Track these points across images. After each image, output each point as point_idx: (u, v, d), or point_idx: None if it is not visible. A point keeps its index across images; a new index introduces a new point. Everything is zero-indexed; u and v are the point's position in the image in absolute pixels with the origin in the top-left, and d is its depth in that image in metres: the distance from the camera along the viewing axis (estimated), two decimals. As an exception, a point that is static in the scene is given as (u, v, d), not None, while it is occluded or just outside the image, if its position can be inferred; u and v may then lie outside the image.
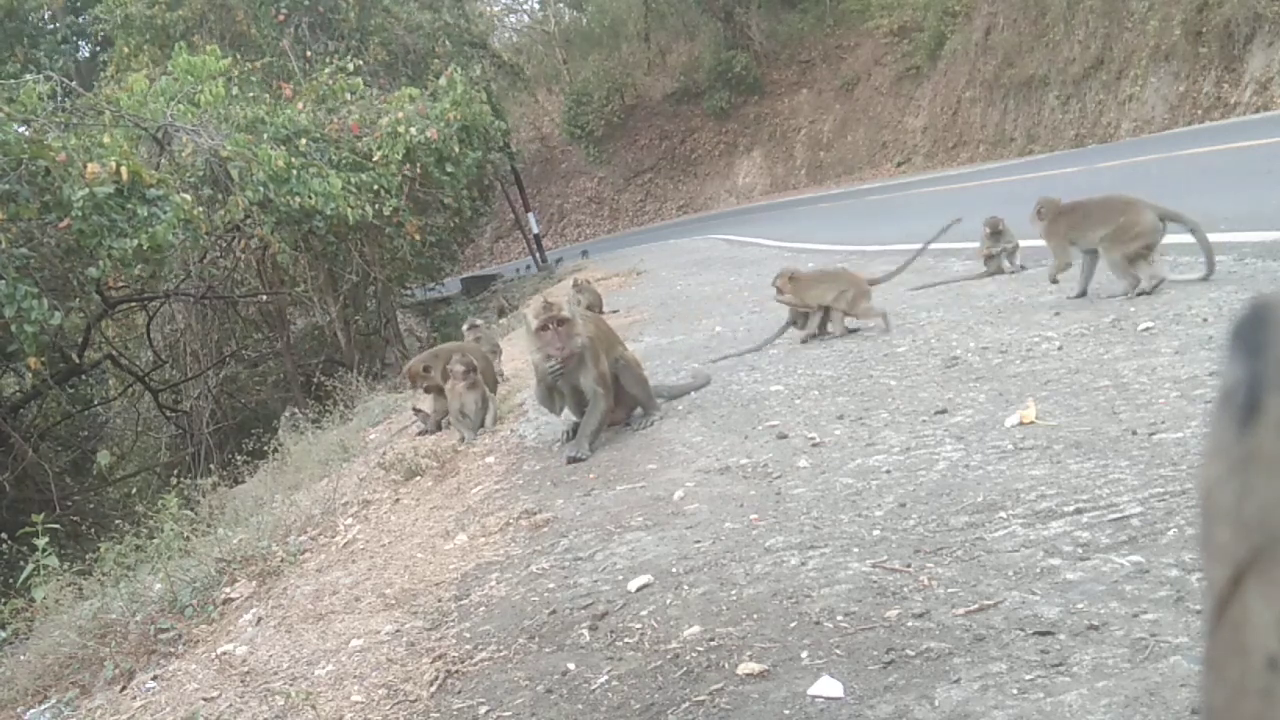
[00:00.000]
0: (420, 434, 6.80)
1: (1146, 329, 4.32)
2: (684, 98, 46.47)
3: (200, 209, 11.89)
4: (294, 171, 12.80)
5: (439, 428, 6.74)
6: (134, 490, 14.39)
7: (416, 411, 7.12)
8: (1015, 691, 1.86)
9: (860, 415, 4.10)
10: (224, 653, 3.48)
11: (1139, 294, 5.09)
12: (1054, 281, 5.68)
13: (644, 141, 47.87)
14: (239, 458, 9.17)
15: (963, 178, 21.76)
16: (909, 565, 2.52)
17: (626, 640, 2.54)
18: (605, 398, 4.90)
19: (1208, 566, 0.44)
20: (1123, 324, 4.55)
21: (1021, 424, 3.42)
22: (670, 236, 26.93)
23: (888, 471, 3.29)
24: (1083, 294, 5.50)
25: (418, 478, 5.40)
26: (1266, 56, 17.59)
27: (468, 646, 2.79)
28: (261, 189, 12.56)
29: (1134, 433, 3.06)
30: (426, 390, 6.75)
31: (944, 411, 3.82)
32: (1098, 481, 2.74)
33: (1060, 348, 4.40)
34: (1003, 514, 2.69)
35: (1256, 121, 15.61)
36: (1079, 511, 2.57)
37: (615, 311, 11.00)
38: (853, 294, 5.97)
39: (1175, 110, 20.04)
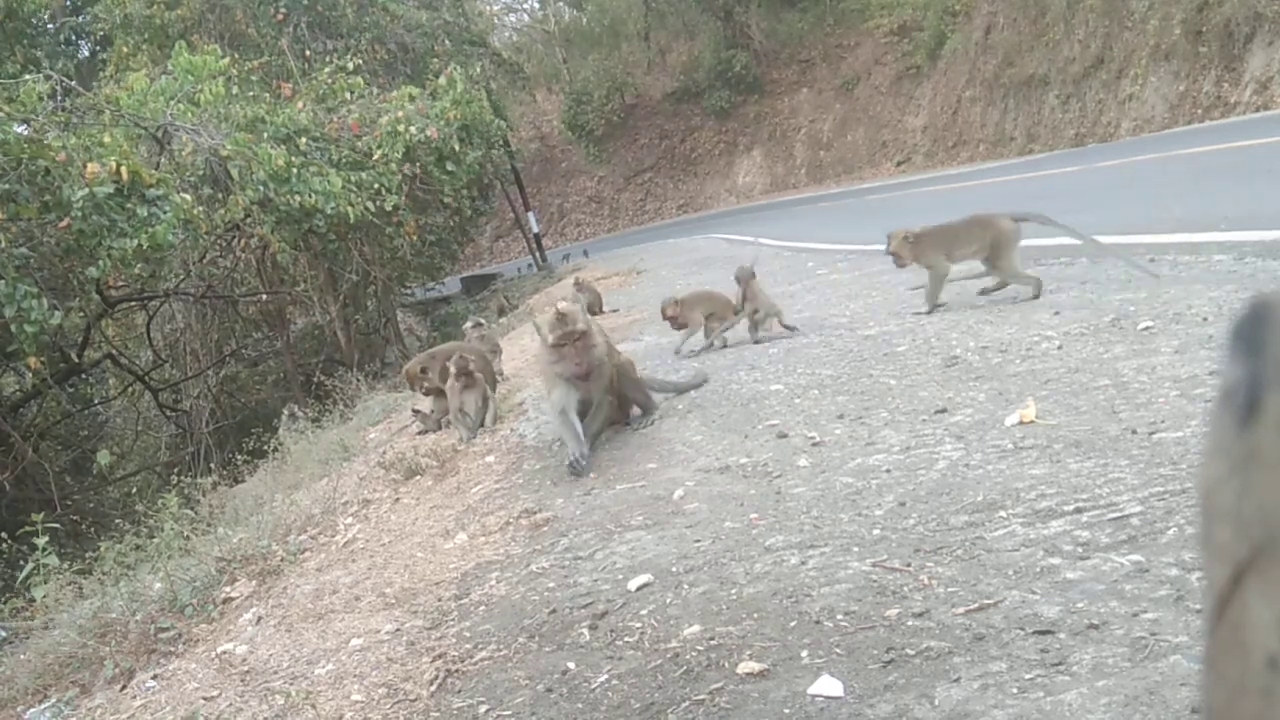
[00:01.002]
0: (420, 433, 6.80)
1: (1146, 328, 4.31)
2: (684, 97, 46.48)
3: (200, 208, 11.90)
4: (294, 170, 12.80)
5: (439, 427, 6.74)
6: (134, 489, 14.39)
7: (416, 413, 7.13)
8: (1015, 690, 1.86)
9: (860, 414, 4.10)
10: (224, 652, 3.48)
11: (1032, 297, 5.64)
12: (931, 309, 6.02)
13: (644, 141, 47.87)
14: (239, 457, 9.18)
15: (963, 177, 21.74)
16: (909, 564, 2.52)
17: (626, 639, 2.54)
18: (611, 405, 4.90)
19: (1208, 565, 0.44)
20: (1122, 323, 4.54)
21: (1021, 423, 3.41)
22: (670, 236, 26.93)
23: (888, 471, 3.29)
24: (934, 309, 5.97)
25: (418, 477, 5.41)
26: (1266, 56, 17.59)
27: (468, 646, 2.80)
28: (261, 188, 12.56)
29: (1134, 432, 3.06)
30: (425, 392, 6.77)
31: (944, 411, 3.82)
32: (1097, 481, 2.74)
33: (1060, 347, 4.39)
34: (1003, 513, 2.69)
35: (1256, 121, 15.61)
36: (1079, 511, 2.57)
37: (615, 310, 11.00)
38: (721, 312, 6.90)
39: (1175, 109, 20.04)
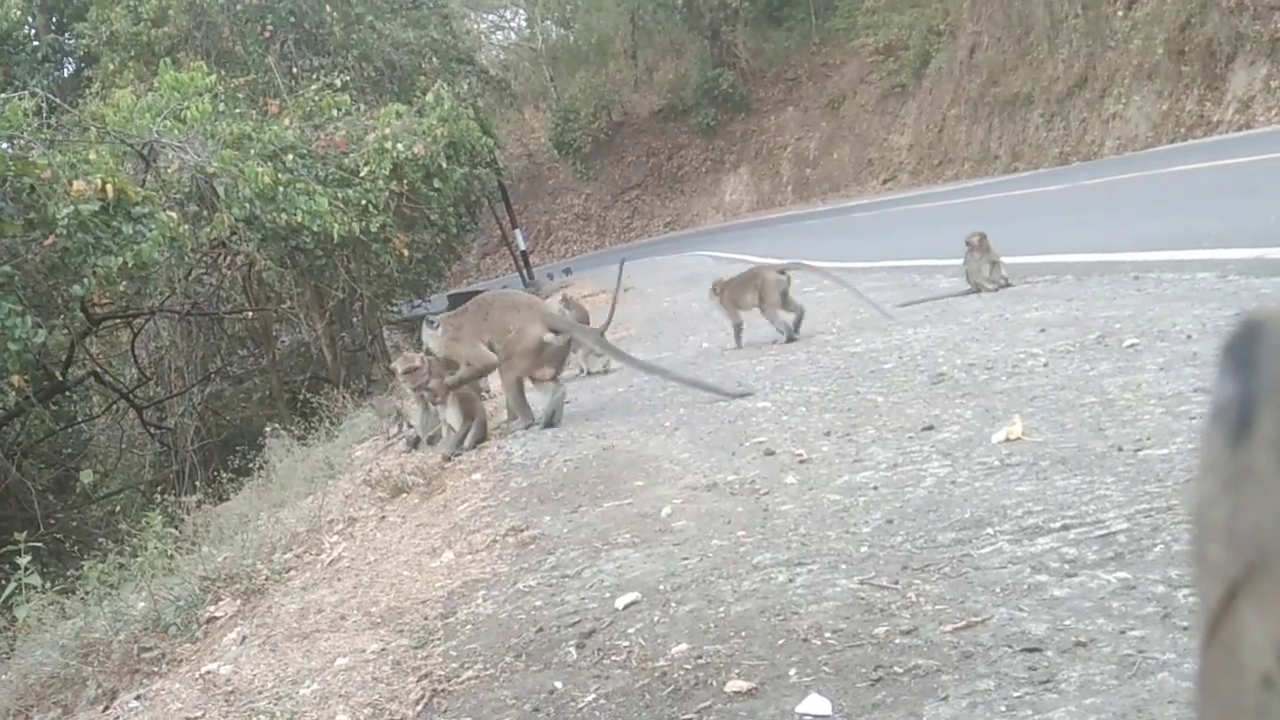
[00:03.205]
0: (408, 450, 6.75)
1: (1131, 345, 4.33)
2: (671, 115, 46.70)
3: (186, 226, 11.86)
4: (280, 188, 12.78)
5: (415, 443, 6.68)
6: (118, 508, 14.29)
7: (389, 437, 7.07)
8: (1003, 709, 1.85)
9: (847, 431, 4.10)
10: (208, 672, 3.45)
11: (789, 340, 6.85)
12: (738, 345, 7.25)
13: (631, 158, 48.04)
14: (224, 475, 9.13)
15: (948, 195, 21.86)
16: (897, 582, 2.51)
17: (614, 658, 2.53)
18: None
19: (1200, 584, 0.43)
20: (1108, 340, 4.56)
21: (1008, 440, 3.42)
22: (657, 253, 26.97)
23: (875, 488, 3.29)
24: (738, 347, 7.22)
25: (404, 495, 5.38)
26: (1248, 75, 17.75)
27: (454, 665, 2.78)
28: (248, 205, 12.53)
29: (1120, 449, 3.07)
30: (417, 388, 6.53)
31: (931, 428, 3.82)
32: (1084, 498, 2.75)
33: (1046, 364, 4.41)
34: (990, 530, 2.69)
35: (1239, 139, 15.75)
36: (1065, 528, 2.57)
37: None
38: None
39: (1159, 128, 20.19)
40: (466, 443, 5.99)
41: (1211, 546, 0.42)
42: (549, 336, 5.96)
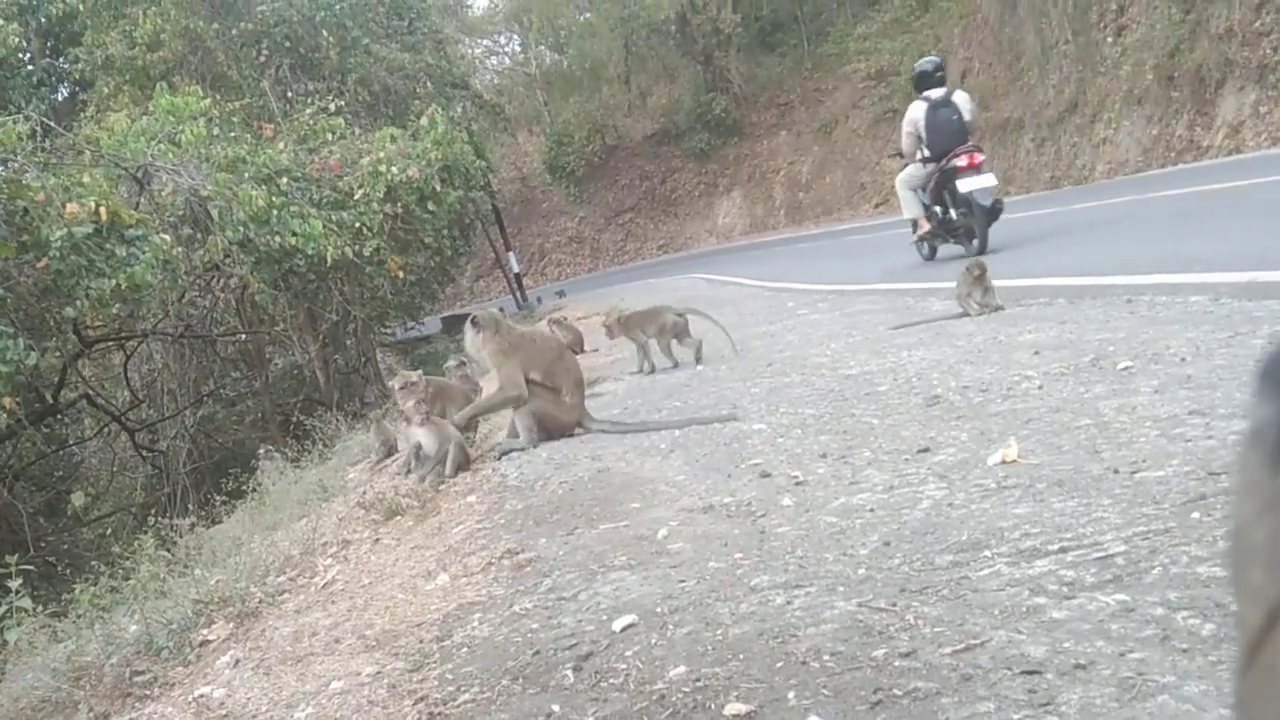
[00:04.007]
0: (405, 472, 6.71)
1: (1126, 368, 4.35)
2: (664, 139, 46.87)
3: (179, 249, 11.86)
4: (274, 211, 12.80)
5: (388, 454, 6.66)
6: (109, 531, 14.22)
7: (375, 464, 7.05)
8: (1004, 731, 1.85)
9: (843, 454, 4.10)
10: (201, 695, 3.43)
11: (674, 366, 7.93)
12: (651, 370, 8.05)
13: (624, 182, 48.17)
14: (216, 498, 9.08)
15: (940, 219, 21.90)
16: (895, 604, 2.51)
17: (611, 681, 2.52)
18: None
19: (1240, 607, 0.43)
20: (1102, 363, 4.58)
21: (1004, 462, 3.42)
22: (650, 276, 27.02)
23: (872, 510, 3.29)
24: (652, 371, 8.02)
25: (398, 517, 5.36)
26: (1238, 100, 17.87)
27: (450, 688, 2.76)
28: (241, 228, 12.54)
29: (1116, 471, 3.07)
30: (417, 404, 6.49)
31: (926, 450, 3.83)
32: (1081, 520, 2.75)
33: (1040, 387, 4.42)
34: (987, 553, 2.69)
35: (1228, 164, 15.84)
36: (1063, 550, 2.57)
37: (596, 350, 11.01)
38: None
39: (1149, 153, 20.31)
40: (447, 470, 5.93)
41: (1251, 570, 0.42)
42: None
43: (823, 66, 41.63)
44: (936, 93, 11.37)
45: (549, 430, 6.09)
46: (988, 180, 10.66)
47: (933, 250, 11.95)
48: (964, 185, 10.58)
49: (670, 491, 4.25)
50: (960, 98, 11.35)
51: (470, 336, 6.24)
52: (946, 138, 11.10)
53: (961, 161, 10.79)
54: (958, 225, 11.11)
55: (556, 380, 6.11)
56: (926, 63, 11.83)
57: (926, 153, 11.36)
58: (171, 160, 13.07)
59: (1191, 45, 18.86)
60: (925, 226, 11.57)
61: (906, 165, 11.80)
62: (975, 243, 10.68)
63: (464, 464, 6.01)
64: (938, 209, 11.36)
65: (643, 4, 43.70)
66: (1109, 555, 2.47)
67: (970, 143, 11.10)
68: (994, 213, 10.61)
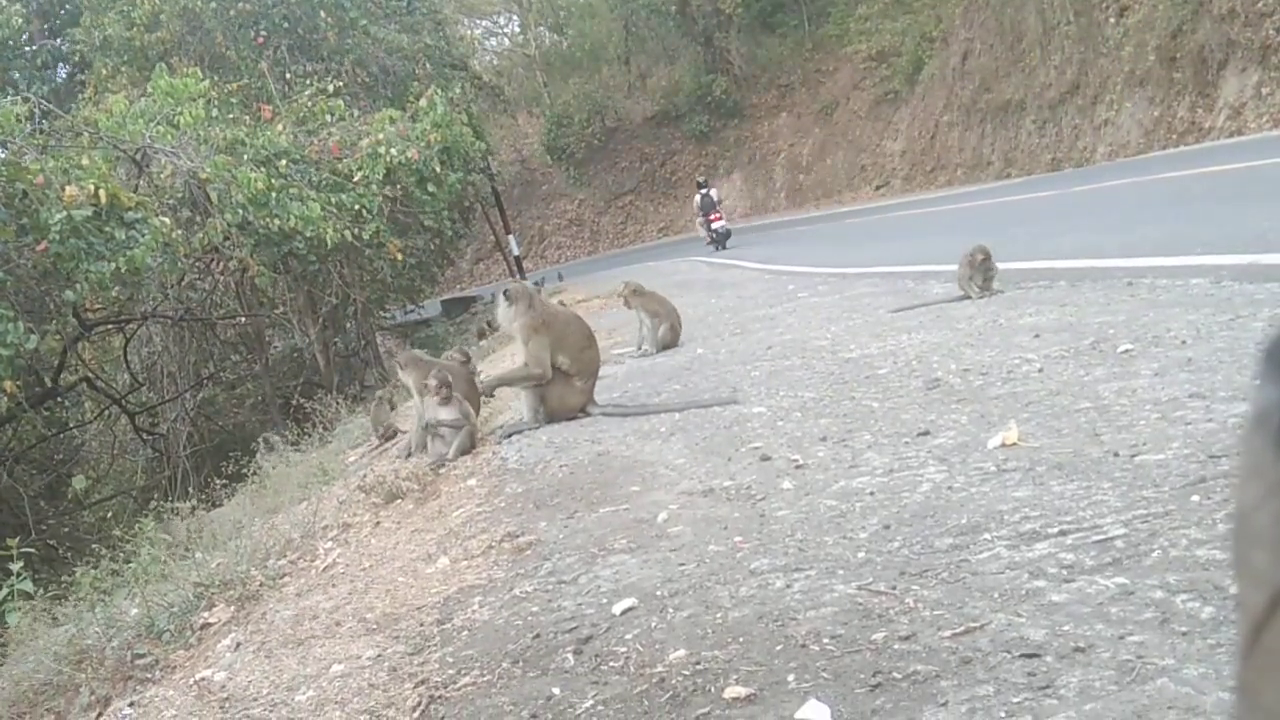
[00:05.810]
0: (405, 456, 6.72)
1: (1125, 351, 4.34)
2: (664, 121, 46.78)
3: (179, 231, 11.85)
4: (273, 194, 12.77)
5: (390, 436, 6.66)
6: (110, 514, 14.24)
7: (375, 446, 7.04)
8: (1003, 714, 1.85)
9: (843, 437, 4.10)
10: (202, 679, 3.44)
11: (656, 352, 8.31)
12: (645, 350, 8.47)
13: (624, 164, 48.09)
14: (217, 481, 9.10)
15: (940, 201, 21.91)
16: (894, 587, 2.51)
17: (611, 664, 2.52)
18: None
19: (1243, 590, 0.43)
20: (1102, 346, 4.57)
21: (1004, 446, 3.42)
22: (650, 258, 26.99)
23: (871, 493, 3.29)
24: (649, 353, 8.29)
25: (398, 500, 5.37)
26: (1240, 82, 17.82)
27: (451, 671, 2.77)
28: (240, 211, 12.52)
29: (1116, 454, 3.07)
30: (440, 384, 6.41)
31: (926, 433, 3.82)
32: (1081, 503, 2.75)
33: (1041, 370, 4.41)
34: (987, 536, 2.69)
35: (1230, 146, 15.80)
36: (1063, 533, 2.57)
37: (596, 332, 10.98)
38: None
39: (1150, 135, 20.26)
40: (451, 453, 5.94)
41: (1255, 553, 0.42)
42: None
43: (823, 47, 41.52)
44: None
45: (555, 413, 6.09)
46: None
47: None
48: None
49: (670, 475, 4.25)
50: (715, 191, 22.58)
51: (503, 308, 6.23)
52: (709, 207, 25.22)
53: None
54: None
55: (579, 367, 6.11)
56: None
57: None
58: (170, 142, 13.05)
59: (1194, 26, 18.79)
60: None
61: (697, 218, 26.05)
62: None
63: (469, 448, 6.02)
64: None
65: (642, -16, 43.57)
66: (1109, 538, 2.47)
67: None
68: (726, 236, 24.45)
